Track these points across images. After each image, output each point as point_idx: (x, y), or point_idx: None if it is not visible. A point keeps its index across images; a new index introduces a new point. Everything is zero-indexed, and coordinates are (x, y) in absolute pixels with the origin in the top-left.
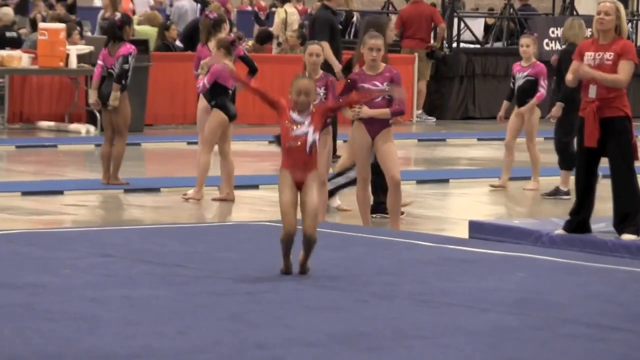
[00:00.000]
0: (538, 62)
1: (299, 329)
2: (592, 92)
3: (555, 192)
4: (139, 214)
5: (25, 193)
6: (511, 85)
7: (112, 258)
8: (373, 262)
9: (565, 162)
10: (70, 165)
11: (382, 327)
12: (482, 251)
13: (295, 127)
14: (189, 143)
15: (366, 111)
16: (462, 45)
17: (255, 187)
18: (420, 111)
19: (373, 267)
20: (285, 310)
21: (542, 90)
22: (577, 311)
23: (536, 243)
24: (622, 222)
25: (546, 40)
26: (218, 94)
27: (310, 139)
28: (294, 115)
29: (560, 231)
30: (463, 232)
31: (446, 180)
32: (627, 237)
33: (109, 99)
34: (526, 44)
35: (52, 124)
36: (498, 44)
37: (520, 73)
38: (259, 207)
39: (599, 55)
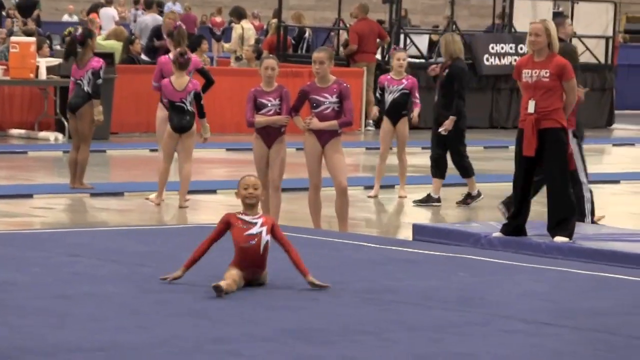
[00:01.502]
0: (410, 76)
1: (255, 325)
2: (531, 107)
3: (427, 200)
4: (105, 216)
5: None
6: (378, 96)
7: (79, 257)
8: (323, 263)
9: (440, 171)
10: (39, 171)
11: (332, 323)
12: (425, 252)
13: (248, 227)
14: (151, 150)
15: (316, 124)
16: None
17: (213, 191)
18: (370, 121)
19: (323, 268)
20: (242, 307)
21: (418, 102)
22: (514, 308)
23: (476, 245)
24: (556, 226)
25: (486, 56)
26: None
27: (264, 239)
28: (244, 217)
29: (498, 234)
30: (407, 235)
31: (392, 186)
32: (560, 239)
33: (94, 114)
34: (402, 57)
35: (22, 131)
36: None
37: (394, 86)
38: (216, 210)
39: (535, 72)
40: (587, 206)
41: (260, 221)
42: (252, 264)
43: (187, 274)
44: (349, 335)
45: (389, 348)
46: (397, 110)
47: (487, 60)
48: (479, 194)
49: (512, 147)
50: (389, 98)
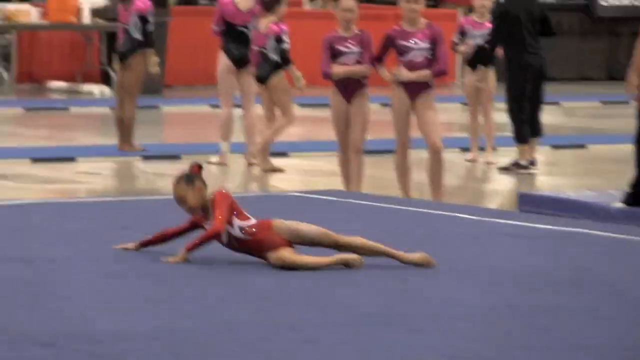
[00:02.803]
0: None
1: (333, 309)
2: None
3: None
4: (159, 182)
5: (35, 160)
6: (456, 40)
7: (130, 231)
8: (413, 237)
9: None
10: (83, 130)
11: (422, 307)
12: (532, 225)
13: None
14: (212, 106)
15: (404, 74)
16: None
17: (284, 154)
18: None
19: (413, 242)
20: (319, 289)
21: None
22: (638, 292)
23: (592, 217)
24: None
25: None
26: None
27: (225, 237)
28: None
29: (619, 204)
30: (512, 205)
31: (493, 148)
32: None
33: (149, 64)
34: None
35: (63, 84)
36: None
37: (477, 30)
38: (288, 175)
39: None
40: None
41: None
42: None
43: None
44: (441, 322)
45: (489, 336)
46: (481, 59)
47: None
48: (528, 166)
49: (634, 102)
50: (470, 44)
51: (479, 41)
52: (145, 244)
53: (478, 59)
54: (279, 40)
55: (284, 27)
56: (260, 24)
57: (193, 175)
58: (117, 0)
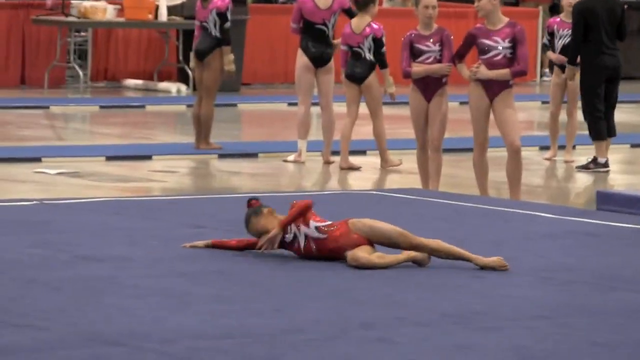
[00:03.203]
0: None
1: (408, 308)
2: None
3: (593, 164)
4: (235, 181)
5: (110, 158)
6: (547, 42)
7: (205, 229)
8: (490, 235)
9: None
10: (159, 128)
11: (499, 306)
12: (610, 224)
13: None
14: (289, 104)
15: (484, 72)
16: None
17: (363, 152)
18: (547, 70)
19: (490, 241)
20: (393, 287)
21: None
22: None
23: None
24: None
25: None
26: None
27: (302, 241)
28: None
29: None
30: (590, 203)
31: (572, 147)
32: None
33: (225, 63)
34: None
35: (139, 82)
36: None
37: (565, 30)
38: (364, 174)
39: None
40: None
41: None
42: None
43: None
44: (519, 321)
45: (566, 335)
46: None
47: None
48: (606, 164)
49: None
50: (558, 44)
51: (567, 41)
52: (215, 246)
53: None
54: (377, 42)
55: (382, 28)
56: (353, 23)
57: (255, 208)
58: None
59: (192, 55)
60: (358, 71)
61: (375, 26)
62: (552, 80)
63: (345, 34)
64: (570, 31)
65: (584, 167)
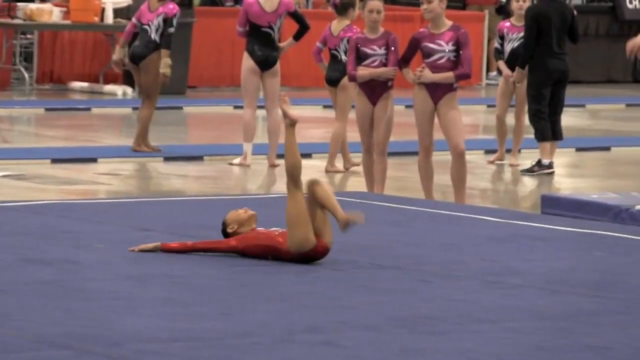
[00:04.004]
0: None
1: (355, 311)
2: None
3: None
4: (180, 184)
5: (55, 160)
6: (498, 46)
7: (150, 232)
8: (436, 239)
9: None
10: (104, 131)
11: (446, 310)
12: (555, 228)
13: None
14: (235, 107)
15: (428, 75)
16: None
17: (308, 155)
18: (494, 73)
19: (436, 245)
20: (340, 291)
21: None
22: None
23: (615, 219)
24: None
25: None
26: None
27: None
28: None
29: None
30: (535, 207)
31: (517, 151)
32: None
33: (161, 66)
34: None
35: (85, 84)
36: (576, 1)
37: (514, 34)
38: (312, 177)
39: None
40: None
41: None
42: None
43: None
44: (465, 324)
45: (512, 339)
46: (516, 62)
47: (631, 2)
48: (550, 166)
49: None
50: (507, 48)
51: (516, 45)
52: (166, 250)
53: (514, 61)
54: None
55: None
56: (332, 25)
57: None
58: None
59: (117, 49)
60: (335, 74)
61: (354, 29)
62: (499, 85)
63: (324, 35)
64: (519, 35)
65: (529, 171)
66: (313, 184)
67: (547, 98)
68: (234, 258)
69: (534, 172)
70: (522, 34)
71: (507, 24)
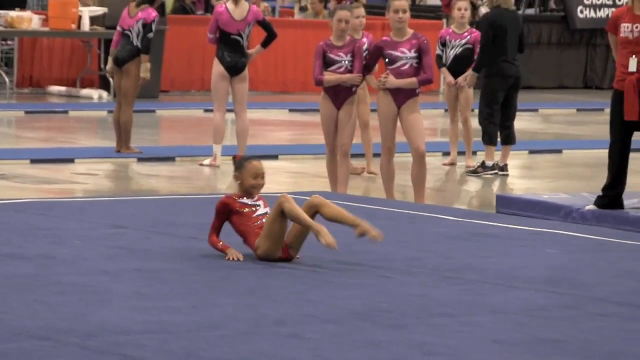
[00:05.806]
0: (474, 29)
1: (319, 305)
2: (633, 65)
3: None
4: (154, 183)
5: (34, 161)
6: (440, 52)
7: (125, 229)
8: (396, 237)
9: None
10: (81, 132)
11: (405, 304)
12: (509, 226)
13: (255, 209)
14: (205, 110)
15: (392, 81)
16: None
17: (275, 157)
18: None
19: (396, 242)
20: (305, 286)
21: None
22: (608, 290)
23: (566, 219)
24: None
25: (580, 8)
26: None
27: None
28: (246, 201)
29: (591, 207)
30: (490, 207)
31: (473, 153)
32: None
33: (141, 70)
34: (464, 7)
35: (62, 88)
36: (530, 11)
37: (456, 40)
38: (278, 178)
39: (637, 27)
40: None
41: (261, 202)
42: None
43: (243, 252)
44: (423, 318)
45: (468, 333)
46: (459, 68)
47: (581, 12)
48: (493, 167)
49: (608, 110)
50: (450, 54)
51: (458, 51)
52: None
53: (458, 67)
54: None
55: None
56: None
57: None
58: (115, 7)
59: (109, 59)
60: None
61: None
62: (445, 92)
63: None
64: (461, 42)
65: (473, 172)
66: (319, 207)
67: (500, 103)
68: (203, 255)
69: (478, 173)
70: (463, 40)
71: (450, 31)
